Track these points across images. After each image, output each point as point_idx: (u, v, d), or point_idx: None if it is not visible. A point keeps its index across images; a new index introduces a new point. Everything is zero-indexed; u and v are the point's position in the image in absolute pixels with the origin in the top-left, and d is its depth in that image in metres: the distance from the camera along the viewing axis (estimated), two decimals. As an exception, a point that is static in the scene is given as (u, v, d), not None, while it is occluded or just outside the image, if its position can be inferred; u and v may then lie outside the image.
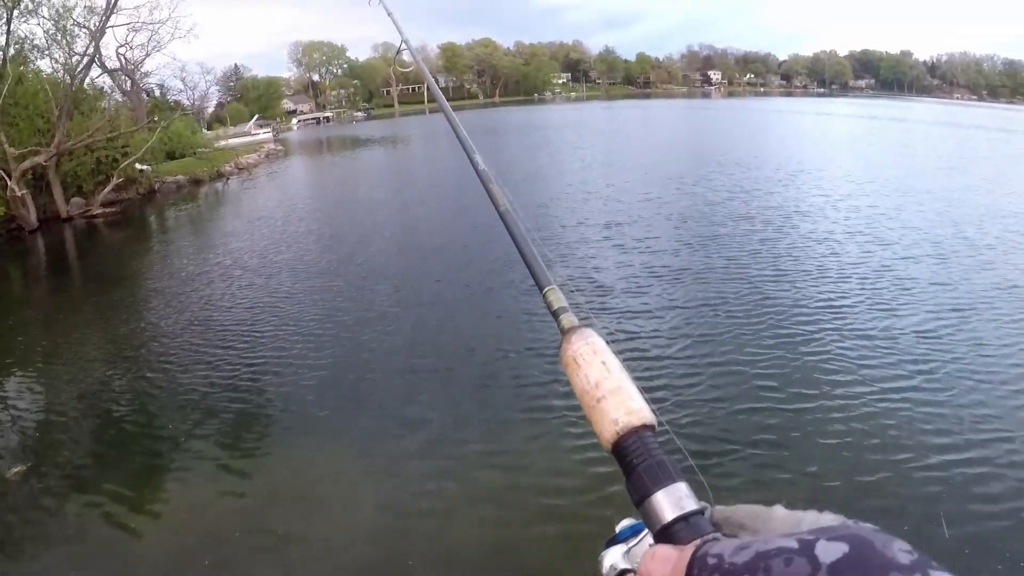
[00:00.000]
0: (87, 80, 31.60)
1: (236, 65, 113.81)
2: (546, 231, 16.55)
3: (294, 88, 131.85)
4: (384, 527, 6.04)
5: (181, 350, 10.75)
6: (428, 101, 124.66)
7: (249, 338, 10.97)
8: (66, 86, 27.36)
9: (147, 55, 38.53)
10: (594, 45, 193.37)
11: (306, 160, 50.59)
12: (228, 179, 38.71)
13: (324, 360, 9.79)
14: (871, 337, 9.33)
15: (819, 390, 7.82)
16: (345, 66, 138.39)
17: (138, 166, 30.37)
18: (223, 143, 50.53)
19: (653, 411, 0.96)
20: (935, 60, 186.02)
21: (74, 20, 29.04)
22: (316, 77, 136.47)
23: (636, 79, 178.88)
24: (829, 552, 0.60)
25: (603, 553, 1.35)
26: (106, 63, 36.90)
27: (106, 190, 28.04)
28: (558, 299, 1.23)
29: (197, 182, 36.74)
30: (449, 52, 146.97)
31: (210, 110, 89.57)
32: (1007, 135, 47.24)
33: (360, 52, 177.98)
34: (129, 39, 36.68)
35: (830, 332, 9.54)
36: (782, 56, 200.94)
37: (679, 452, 1.10)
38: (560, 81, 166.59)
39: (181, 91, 67.82)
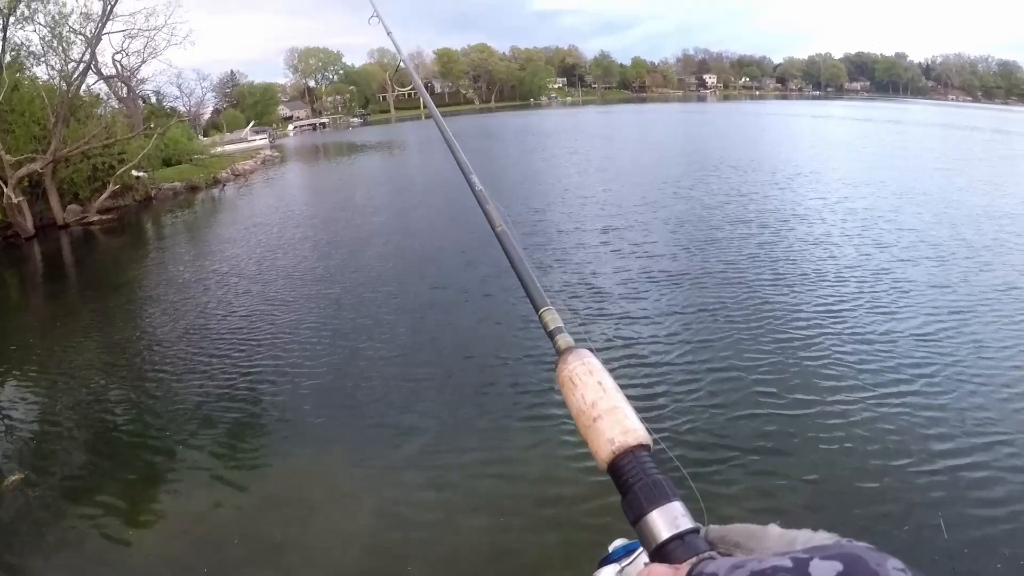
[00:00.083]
0: (83, 87, 31.68)
1: (232, 71, 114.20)
2: (542, 236, 16.55)
3: (290, 94, 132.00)
4: (382, 534, 6.03)
5: (178, 358, 10.74)
6: (424, 107, 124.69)
7: (246, 345, 10.96)
8: (62, 93, 27.39)
9: (143, 62, 38.59)
10: (589, 50, 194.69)
11: (302, 166, 50.61)
12: (224, 185, 38.72)
13: (321, 367, 9.78)
14: (870, 341, 9.32)
15: (818, 395, 7.80)
16: (341, 72, 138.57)
17: (134, 173, 30.34)
18: (219, 149, 50.69)
19: (649, 431, 0.97)
20: (930, 62, 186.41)
21: (70, 27, 29.03)
22: (312, 83, 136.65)
23: (632, 83, 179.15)
24: (823, 571, 0.60)
25: (596, 573, 1.36)
26: (102, 70, 36.95)
27: (102, 197, 28.00)
28: (554, 319, 1.25)
29: (194, 189, 36.74)
30: (445, 58, 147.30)
31: (206, 116, 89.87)
32: (1003, 136, 47.37)
33: (356, 58, 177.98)
34: (125, 46, 36.69)
35: (829, 336, 9.54)
36: (777, 59, 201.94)
37: (674, 464, 1.11)
38: (556, 86, 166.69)
39: (177, 98, 67.97)
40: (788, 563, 0.63)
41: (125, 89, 40.92)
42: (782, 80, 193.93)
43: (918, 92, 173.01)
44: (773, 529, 0.89)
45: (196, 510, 6.62)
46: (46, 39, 28.24)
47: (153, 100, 50.37)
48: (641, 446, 0.94)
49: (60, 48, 28.55)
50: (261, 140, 67.13)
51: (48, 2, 27.70)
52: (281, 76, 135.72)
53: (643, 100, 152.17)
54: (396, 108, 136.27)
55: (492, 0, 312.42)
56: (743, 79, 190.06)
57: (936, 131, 51.24)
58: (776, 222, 17.06)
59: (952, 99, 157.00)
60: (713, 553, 0.79)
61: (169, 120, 40.73)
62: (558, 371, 1.10)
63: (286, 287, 14.20)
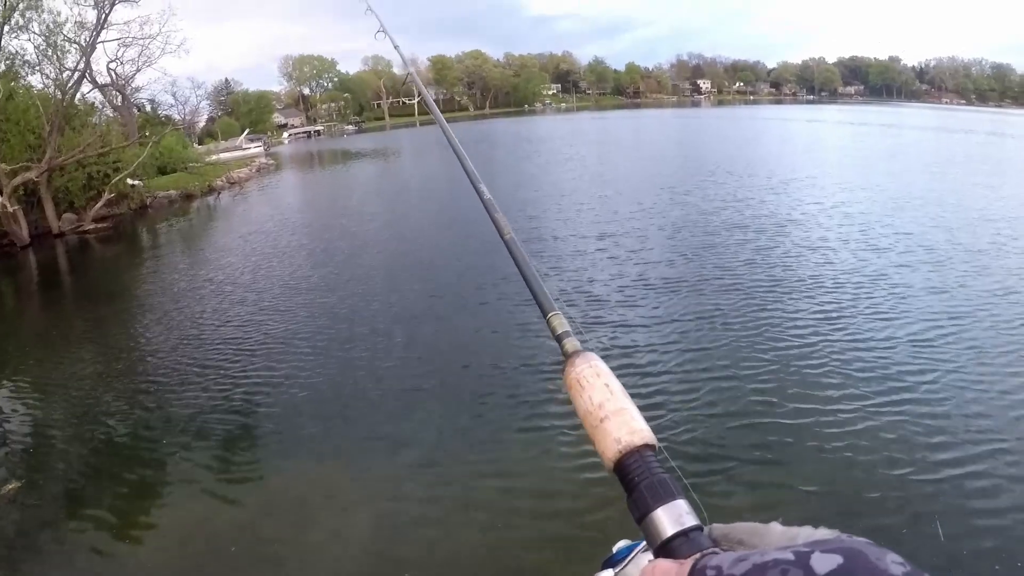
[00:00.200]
0: (78, 95, 31.52)
1: (227, 79, 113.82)
2: (538, 244, 16.56)
3: (285, 102, 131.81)
4: (379, 543, 6.02)
5: (173, 367, 10.73)
6: (419, 114, 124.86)
7: (241, 355, 10.94)
8: (57, 101, 27.35)
9: (138, 70, 38.40)
10: (584, 55, 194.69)
11: (297, 174, 50.55)
12: (219, 193, 38.66)
13: (317, 377, 9.77)
14: (868, 346, 9.33)
15: (816, 401, 7.81)
16: (336, 79, 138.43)
17: (130, 181, 30.32)
18: (214, 157, 50.60)
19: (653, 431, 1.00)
20: (923, 65, 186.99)
21: (64, 36, 29.02)
22: (307, 91, 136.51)
23: (626, 89, 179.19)
24: (824, 563, 0.61)
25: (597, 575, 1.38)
26: (97, 78, 36.76)
27: (98, 205, 27.99)
28: (561, 324, 1.27)
29: (189, 197, 36.69)
30: (439, 65, 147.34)
31: (201, 124, 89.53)
32: (997, 139, 47.57)
33: (350, 65, 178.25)
34: (120, 54, 36.53)
35: (827, 342, 9.55)
36: (771, 64, 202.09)
37: (674, 472, 1.13)
38: (550, 92, 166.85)
39: (172, 106, 67.46)
40: (790, 556, 0.64)
41: (120, 97, 40.79)
42: (776, 85, 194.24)
43: (912, 96, 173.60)
44: (775, 527, 0.91)
45: (192, 520, 6.60)
46: (41, 48, 28.26)
47: (148, 108, 50.16)
48: (647, 446, 0.96)
49: (55, 57, 28.54)
50: (256, 148, 66.89)
51: (43, 11, 27.74)
52: (275, 84, 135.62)
53: (638, 106, 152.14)
54: (391, 115, 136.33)
55: (486, 7, 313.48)
56: (737, 84, 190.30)
57: (931, 134, 51.44)
58: (773, 227, 17.10)
59: (946, 102, 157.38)
60: (716, 549, 0.80)
61: (164, 128, 40.71)
62: (565, 374, 1.13)
63: (282, 296, 14.19)
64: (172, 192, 36.12)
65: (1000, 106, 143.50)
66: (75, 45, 29.85)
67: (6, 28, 26.36)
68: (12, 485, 7.33)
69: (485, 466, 7.13)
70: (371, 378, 9.58)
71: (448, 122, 2.37)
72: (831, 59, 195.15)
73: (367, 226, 22.28)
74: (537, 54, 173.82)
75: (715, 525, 0.93)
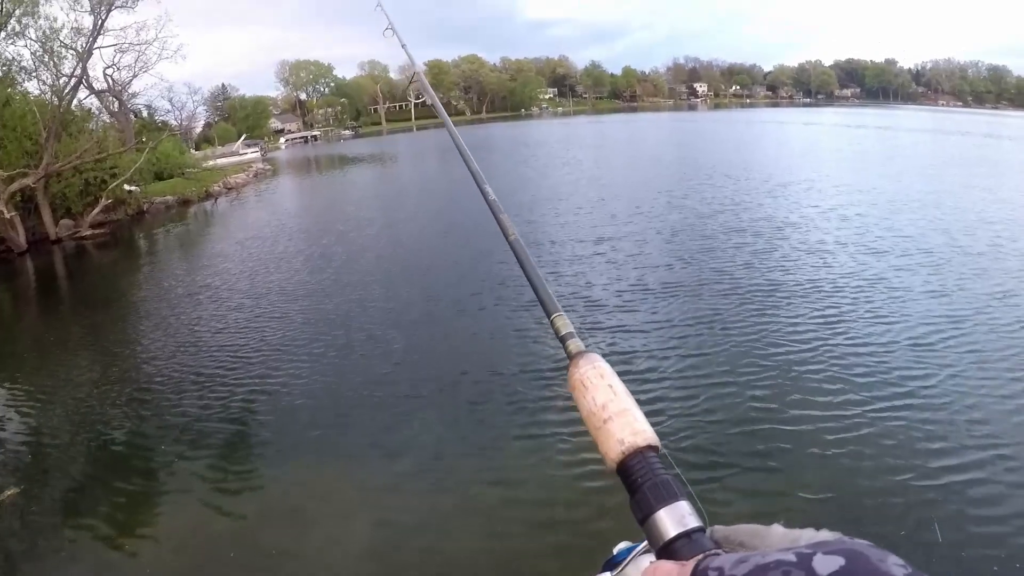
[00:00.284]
0: (75, 101, 31.55)
1: (223, 85, 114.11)
2: (535, 248, 16.53)
3: (281, 107, 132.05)
4: (378, 548, 6.01)
5: (171, 372, 10.71)
6: (416, 118, 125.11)
7: (239, 360, 10.93)
8: (54, 107, 27.34)
9: (134, 76, 38.54)
10: (580, 60, 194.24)
11: (294, 179, 50.54)
12: (217, 199, 38.71)
13: (315, 382, 9.76)
14: (866, 349, 9.32)
15: (816, 405, 7.80)
16: (332, 85, 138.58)
17: (127, 187, 30.34)
18: (211, 163, 50.83)
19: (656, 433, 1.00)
20: (920, 67, 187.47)
21: (61, 42, 29.06)
22: (303, 96, 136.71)
23: (622, 93, 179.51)
24: (826, 565, 0.61)
25: None
26: (93, 84, 36.85)
27: (95, 211, 27.98)
28: (565, 325, 1.27)
29: (186, 202, 36.73)
30: (436, 69, 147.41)
31: (198, 130, 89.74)
32: (994, 140, 47.60)
33: (347, 70, 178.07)
34: (116, 60, 36.66)
35: (826, 345, 9.53)
36: (767, 67, 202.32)
37: (677, 474, 1.13)
38: (547, 96, 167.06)
39: (169, 111, 67.55)
40: (792, 557, 0.64)
41: (116, 103, 40.87)
42: (772, 88, 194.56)
43: (908, 98, 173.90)
44: (777, 529, 0.92)
45: (190, 526, 6.59)
46: (37, 54, 28.29)
47: (144, 114, 50.26)
48: (650, 447, 0.96)
49: (51, 63, 28.55)
50: (253, 153, 67.09)
51: (39, 17, 27.78)
52: (272, 89, 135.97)
53: (634, 109, 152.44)
54: (387, 120, 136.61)
55: (482, 12, 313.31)
56: (733, 87, 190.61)
57: (927, 136, 51.46)
58: (770, 230, 17.09)
59: (942, 104, 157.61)
60: (719, 551, 0.81)
61: (161, 134, 40.78)
62: (569, 375, 1.13)
63: (279, 302, 14.16)
64: (169, 198, 36.16)
65: (997, 108, 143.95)
66: (71, 51, 29.95)
67: (2, 34, 26.46)
68: (10, 492, 7.32)
69: (483, 472, 7.12)
70: (369, 384, 9.55)
71: (443, 127, 2.39)
72: (827, 62, 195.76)
73: (364, 231, 22.25)
74: (533, 58, 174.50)
75: (717, 527, 0.94)
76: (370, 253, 18.56)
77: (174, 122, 65.85)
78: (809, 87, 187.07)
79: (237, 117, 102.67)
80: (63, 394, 10.30)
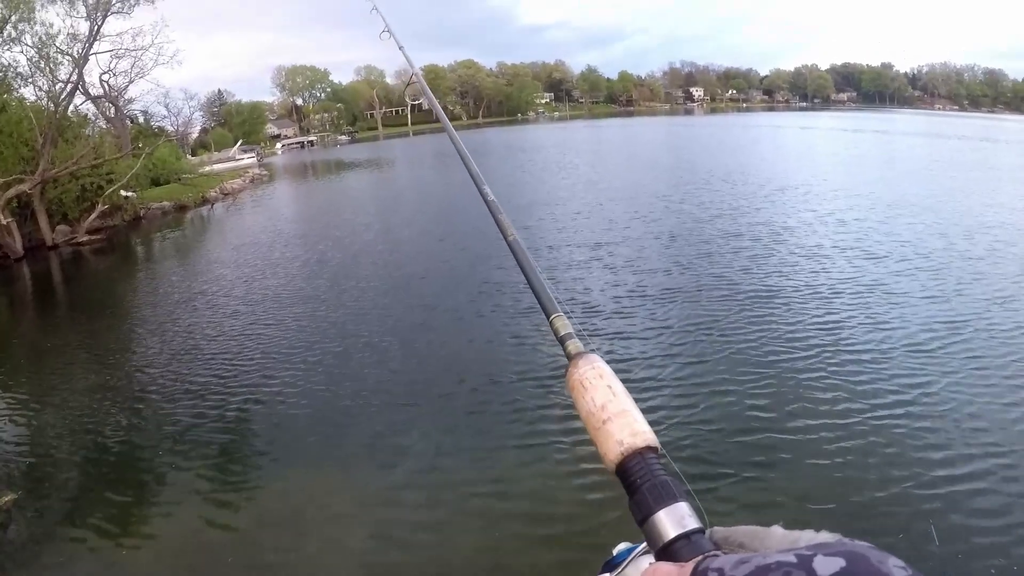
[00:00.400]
0: (71, 107, 31.57)
1: (219, 90, 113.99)
2: (533, 253, 16.15)
3: (278, 112, 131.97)
4: (376, 553, 6.01)
5: (168, 379, 10.69)
6: (412, 123, 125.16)
7: (236, 367, 10.92)
8: (50, 113, 27.38)
9: (131, 81, 38.43)
10: (576, 64, 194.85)
11: (291, 184, 50.51)
12: (213, 205, 38.65)
13: (312, 388, 9.74)
14: (864, 353, 9.32)
15: (813, 409, 7.80)
16: (328, 90, 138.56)
17: (123, 193, 30.28)
18: (208, 169, 50.69)
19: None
20: (916, 71, 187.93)
21: (57, 47, 29.05)
22: (300, 101, 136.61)
23: (619, 97, 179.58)
24: (826, 566, 0.62)
25: None
26: (90, 90, 36.79)
27: (91, 217, 27.98)
28: (564, 325, 1.27)
29: (182, 208, 36.70)
30: (432, 74, 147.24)
31: (194, 136, 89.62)
32: (990, 144, 47.65)
33: (343, 75, 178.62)
34: (112, 66, 36.57)
35: (823, 349, 9.54)
36: (764, 71, 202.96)
37: (676, 474, 1.13)
38: (543, 101, 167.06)
39: (165, 117, 67.49)
40: (792, 559, 0.64)
41: (113, 109, 40.78)
42: (769, 92, 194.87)
43: (904, 102, 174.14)
44: (777, 530, 0.91)
45: (188, 531, 6.58)
46: (33, 60, 28.28)
47: (141, 120, 50.13)
48: (649, 448, 0.96)
49: (47, 69, 28.55)
50: (249, 159, 66.95)
51: (35, 23, 27.78)
52: (268, 94, 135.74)
53: (630, 114, 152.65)
54: (384, 125, 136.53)
55: (479, 16, 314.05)
56: (730, 92, 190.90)
57: (924, 141, 51.46)
58: (768, 235, 17.10)
59: (939, 108, 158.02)
60: (718, 552, 0.81)
61: (157, 139, 40.64)
62: (568, 375, 1.12)
63: (275, 308, 14.15)
64: (166, 203, 36.18)
65: (993, 112, 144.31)
66: (68, 57, 29.90)
67: (-1, 40, 26.40)
68: (7, 497, 7.28)
69: (481, 476, 7.12)
70: (366, 391, 9.53)
71: (440, 132, 2.42)
72: (824, 66, 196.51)
73: (361, 237, 22.23)
74: (530, 63, 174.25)
75: (716, 528, 0.94)
76: (367, 259, 18.53)
77: (170, 128, 65.75)
78: (805, 91, 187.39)
79: (233, 123, 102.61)
80: (59, 400, 10.27)
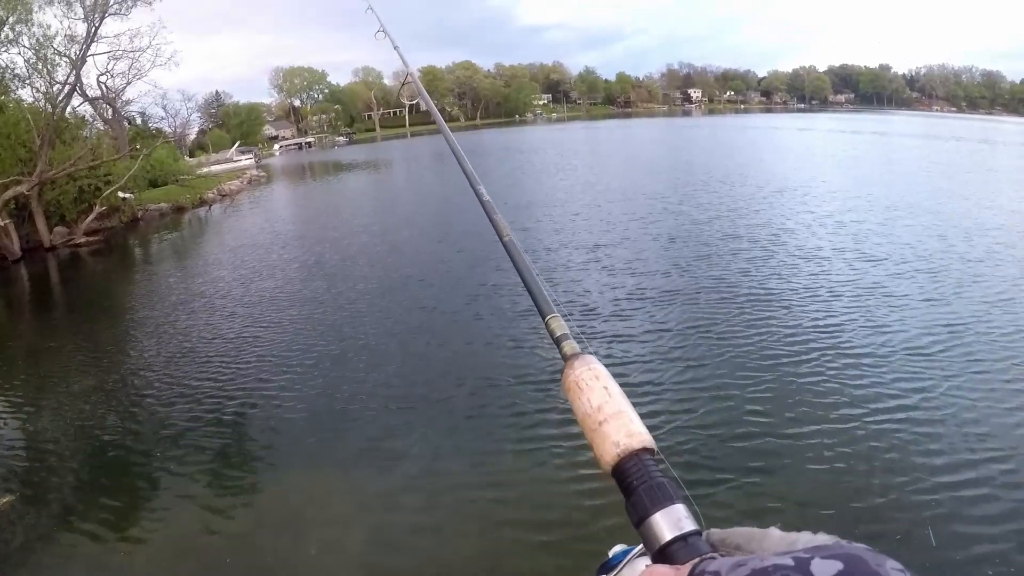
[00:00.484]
0: (68, 109, 31.49)
1: (217, 92, 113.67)
2: (530, 255, 16.35)
3: (275, 114, 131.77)
4: (374, 554, 6.01)
5: (166, 380, 10.67)
6: (410, 124, 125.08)
7: (233, 369, 10.91)
8: (47, 115, 27.33)
9: (128, 83, 38.30)
10: (574, 65, 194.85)
11: (289, 186, 50.42)
12: (211, 206, 38.61)
13: (310, 390, 9.74)
14: (864, 356, 9.31)
15: (812, 412, 7.79)
16: (326, 91, 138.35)
17: (121, 194, 30.21)
18: (205, 170, 50.65)
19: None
20: (914, 73, 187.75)
21: (55, 49, 28.93)
22: (297, 102, 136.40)
23: (617, 99, 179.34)
24: (824, 569, 0.61)
25: None
26: (87, 91, 36.69)
27: (89, 219, 27.94)
28: (560, 326, 1.27)
29: (180, 209, 36.63)
30: (430, 75, 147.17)
31: (192, 137, 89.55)
32: (988, 146, 47.70)
33: (341, 77, 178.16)
34: (110, 67, 36.45)
35: (822, 352, 9.53)
36: (762, 72, 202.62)
37: (671, 479, 1.13)
38: (541, 102, 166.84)
39: (163, 118, 67.55)
40: (790, 562, 0.64)
41: (110, 110, 40.70)
42: (767, 93, 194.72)
43: (902, 103, 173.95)
44: (774, 532, 0.91)
45: (186, 533, 6.57)
46: (31, 61, 28.18)
47: (138, 121, 50.00)
48: (645, 449, 0.96)
49: (45, 70, 28.47)
50: (247, 160, 66.82)
51: (32, 24, 27.70)
52: (266, 96, 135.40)
53: (628, 115, 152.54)
54: (381, 127, 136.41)
55: (478, 16, 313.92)
56: (728, 93, 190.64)
57: (922, 142, 51.44)
58: (766, 237, 17.11)
59: (936, 110, 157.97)
60: (715, 554, 0.80)
61: (155, 141, 40.53)
62: (564, 376, 1.12)
63: (273, 309, 14.13)
64: (163, 205, 36.11)
65: (991, 113, 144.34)
66: (65, 58, 29.78)
67: (-4, 42, 26.36)
68: (5, 499, 7.28)
69: (479, 478, 7.11)
70: (364, 394, 9.52)
71: (437, 133, 2.41)
72: (821, 67, 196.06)
73: (359, 238, 22.21)
74: (528, 64, 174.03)
75: (713, 530, 0.93)
76: (364, 260, 18.51)
77: (168, 129, 65.70)
78: (803, 93, 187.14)
79: (231, 124, 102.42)
80: (57, 402, 10.26)
